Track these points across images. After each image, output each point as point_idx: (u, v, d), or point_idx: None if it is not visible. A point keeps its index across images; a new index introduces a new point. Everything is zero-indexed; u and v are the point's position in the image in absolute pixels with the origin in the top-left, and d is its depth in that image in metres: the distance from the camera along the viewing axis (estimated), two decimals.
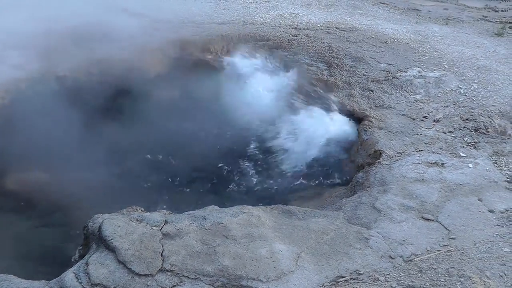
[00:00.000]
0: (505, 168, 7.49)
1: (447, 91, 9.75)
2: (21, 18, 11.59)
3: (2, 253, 7.09)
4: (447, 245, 5.96)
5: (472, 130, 8.46)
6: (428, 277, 5.48)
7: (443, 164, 7.54)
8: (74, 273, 5.40)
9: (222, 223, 6.02)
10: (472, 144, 8.08)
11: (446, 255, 5.81)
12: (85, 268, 5.41)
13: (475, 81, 10.19)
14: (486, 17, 15.23)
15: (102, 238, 5.70)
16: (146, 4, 13.64)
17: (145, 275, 5.29)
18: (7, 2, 12.59)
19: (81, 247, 6.18)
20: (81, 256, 5.92)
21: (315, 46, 11.64)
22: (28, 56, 10.22)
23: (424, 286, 5.35)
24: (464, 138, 8.25)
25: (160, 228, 5.89)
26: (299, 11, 14.41)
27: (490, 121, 8.70)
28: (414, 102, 9.40)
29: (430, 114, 8.96)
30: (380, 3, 16.01)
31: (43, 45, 10.58)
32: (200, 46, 11.49)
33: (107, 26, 11.78)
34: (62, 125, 9.17)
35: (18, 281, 5.48)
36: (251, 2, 15.12)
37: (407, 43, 12.18)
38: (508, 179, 7.22)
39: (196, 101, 10.53)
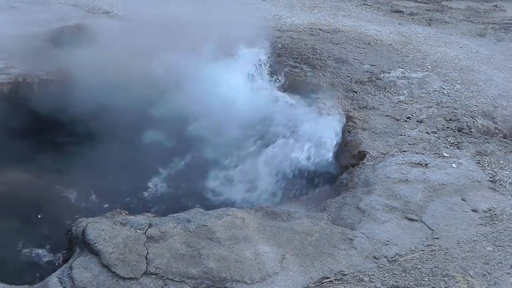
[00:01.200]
0: (488, 168, 7.53)
1: (430, 92, 9.79)
2: (1, 21, 11.52)
3: None
4: (431, 245, 5.98)
5: (456, 130, 8.50)
6: (412, 277, 5.50)
7: (427, 164, 7.57)
8: (58, 277, 5.35)
9: (207, 225, 6.01)
10: (456, 144, 8.12)
11: (430, 254, 5.83)
12: (69, 272, 5.36)
13: (458, 81, 10.25)
14: (468, 18, 15.34)
15: (86, 242, 5.65)
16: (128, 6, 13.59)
17: (129, 278, 5.27)
18: None
19: (64, 251, 6.15)
20: (65, 260, 5.88)
21: (299, 48, 11.64)
22: (10, 59, 10.16)
23: (408, 286, 5.36)
24: (448, 139, 8.28)
25: (144, 231, 5.87)
26: (282, 13, 14.43)
27: (473, 121, 8.75)
28: (397, 103, 9.43)
29: (413, 114, 8.99)
30: (363, 4, 16.08)
31: (25, 48, 10.51)
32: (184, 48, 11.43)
33: (90, 29, 11.75)
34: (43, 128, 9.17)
35: (1, 286, 5.44)
36: (234, 5, 15.11)
37: (390, 44, 12.23)
38: (491, 179, 7.25)
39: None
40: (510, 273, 5.55)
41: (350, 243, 5.97)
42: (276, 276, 5.44)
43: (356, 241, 6.01)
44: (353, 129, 8.64)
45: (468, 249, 5.90)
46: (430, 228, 6.25)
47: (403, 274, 5.54)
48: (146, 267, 5.38)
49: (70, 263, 5.53)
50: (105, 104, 9.53)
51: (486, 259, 5.74)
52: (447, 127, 8.58)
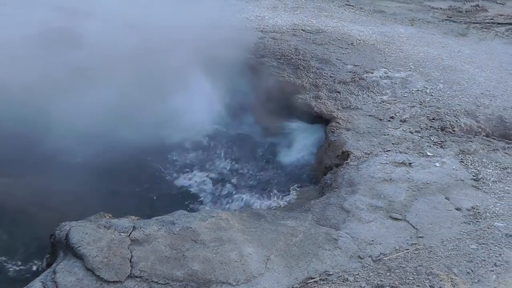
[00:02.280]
0: (471, 167, 7.56)
1: (413, 91, 9.82)
2: None
3: None
4: (415, 244, 6.00)
5: (439, 130, 8.53)
6: (396, 276, 5.51)
7: (411, 163, 7.59)
8: (41, 282, 5.33)
9: (191, 227, 6.00)
10: (439, 143, 8.15)
11: (414, 253, 5.84)
12: (53, 276, 5.34)
13: (441, 81, 10.28)
14: (450, 17, 15.40)
15: (70, 246, 5.63)
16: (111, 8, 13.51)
17: (114, 282, 5.25)
18: None
19: (48, 256, 6.12)
20: (49, 265, 5.86)
21: (282, 49, 11.65)
22: None
23: (393, 285, 5.38)
24: (431, 138, 8.31)
25: (128, 234, 5.85)
26: (265, 14, 14.41)
27: (456, 120, 8.79)
28: (380, 102, 9.45)
29: (397, 114, 9.02)
30: (346, 5, 16.09)
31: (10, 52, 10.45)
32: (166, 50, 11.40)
33: (74, 32, 11.69)
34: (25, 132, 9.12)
35: None
36: (217, 6, 15.07)
37: (373, 45, 12.26)
38: (474, 177, 7.28)
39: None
40: (493, 271, 5.57)
41: (334, 243, 5.98)
42: (261, 277, 5.44)
43: (341, 241, 6.02)
44: (337, 129, 8.65)
45: (452, 247, 5.92)
46: (414, 227, 6.27)
47: (388, 273, 5.56)
48: (131, 270, 5.37)
49: (53, 267, 5.50)
50: None
51: (470, 257, 5.76)
52: (430, 126, 8.61)
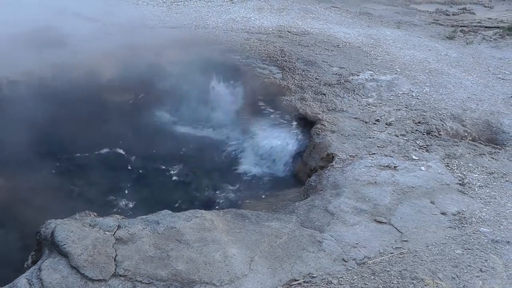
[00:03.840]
0: (457, 171, 7.55)
1: (399, 95, 9.81)
2: None
3: None
4: (399, 248, 5.97)
5: (424, 133, 8.51)
6: (381, 279, 5.48)
7: (396, 167, 7.56)
8: (27, 278, 5.33)
9: (175, 227, 5.97)
10: (425, 147, 8.13)
11: (399, 257, 5.81)
12: (38, 273, 5.33)
13: (427, 84, 10.28)
14: (437, 20, 15.42)
15: (55, 244, 5.62)
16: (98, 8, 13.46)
17: (98, 280, 5.23)
18: None
19: (33, 253, 6.08)
20: (34, 262, 5.83)
21: (268, 50, 11.62)
22: None
23: None
24: (417, 141, 8.29)
25: (113, 233, 5.83)
26: (251, 15, 14.39)
27: (442, 124, 8.78)
28: (366, 105, 9.43)
29: (382, 117, 9.00)
30: (332, 7, 16.09)
31: None
32: (153, 50, 11.36)
33: (60, 31, 11.64)
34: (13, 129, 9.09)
35: None
36: (203, 6, 15.05)
37: (359, 47, 12.25)
38: (460, 182, 7.26)
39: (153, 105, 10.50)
40: (479, 276, 5.55)
41: (319, 246, 5.94)
42: (245, 278, 5.40)
43: (325, 243, 5.98)
44: (322, 132, 8.61)
45: (437, 252, 5.89)
46: (399, 231, 6.23)
47: (372, 277, 5.52)
48: (115, 269, 5.35)
49: (39, 264, 5.50)
50: None
51: (455, 262, 5.74)
52: (416, 130, 8.59)
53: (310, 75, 10.49)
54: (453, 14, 16.38)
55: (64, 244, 5.57)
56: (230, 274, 5.42)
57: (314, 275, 5.52)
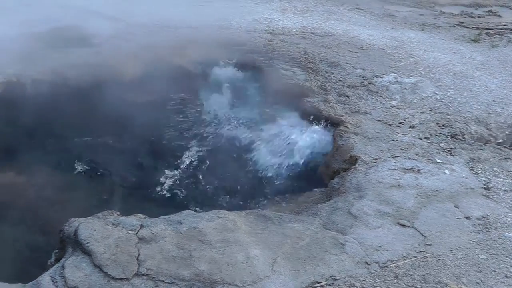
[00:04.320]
0: (482, 175, 7.48)
1: (423, 97, 9.74)
2: None
3: None
4: (423, 252, 5.93)
5: (448, 136, 8.45)
6: (404, 283, 5.45)
7: (419, 170, 7.51)
8: (50, 276, 5.38)
9: (198, 227, 5.98)
10: (449, 151, 8.07)
11: (422, 261, 5.77)
12: (61, 271, 5.37)
13: (451, 87, 10.20)
14: (462, 23, 15.28)
15: (78, 242, 5.67)
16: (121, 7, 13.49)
17: (120, 279, 5.26)
18: None
19: (57, 251, 6.14)
20: (57, 260, 5.88)
21: (291, 51, 11.58)
22: (3, 59, 10.10)
23: None
24: (440, 144, 8.23)
25: (136, 232, 5.86)
26: (274, 16, 14.36)
27: (467, 128, 8.71)
28: (390, 108, 9.37)
29: (406, 120, 8.94)
30: (356, 8, 16.02)
31: (18, 49, 10.45)
32: (175, 51, 11.37)
33: (82, 30, 11.69)
34: (36, 127, 9.15)
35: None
36: (226, 7, 15.05)
37: (383, 49, 12.18)
38: (484, 186, 7.20)
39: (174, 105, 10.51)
40: (504, 282, 5.50)
41: (341, 248, 5.91)
42: (267, 280, 5.39)
43: (348, 246, 5.95)
44: (345, 134, 8.57)
45: (461, 256, 5.84)
46: (422, 235, 6.19)
47: (395, 281, 5.49)
48: (138, 268, 5.37)
49: (62, 262, 5.55)
50: None
51: (479, 267, 5.69)
52: (440, 133, 8.53)
53: (333, 76, 10.44)
54: (479, 17, 16.23)
55: (87, 243, 5.61)
56: (253, 275, 5.41)
57: (337, 278, 5.50)
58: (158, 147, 9.90)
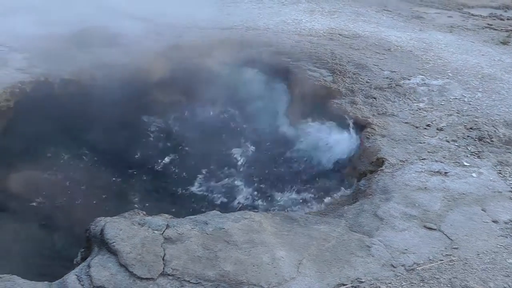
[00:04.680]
0: (510, 178, 7.43)
1: (450, 100, 9.69)
2: (25, 21, 11.57)
3: (6, 254, 7.07)
4: (449, 255, 5.90)
5: (476, 139, 8.39)
6: (430, 287, 5.43)
7: (446, 173, 7.48)
8: (76, 275, 5.42)
9: (224, 228, 6.00)
10: (476, 154, 8.02)
11: (449, 265, 5.75)
12: (87, 270, 5.41)
13: (480, 89, 10.14)
14: (491, 25, 15.16)
15: (104, 241, 5.72)
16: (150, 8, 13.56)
17: (146, 278, 5.29)
18: (12, 5, 12.59)
19: (83, 250, 6.19)
20: (83, 259, 5.92)
21: (318, 53, 11.57)
22: (32, 59, 10.21)
23: None
24: (468, 147, 8.19)
25: (162, 232, 5.89)
26: (302, 17, 14.36)
27: (495, 131, 8.64)
28: (417, 110, 9.33)
29: (433, 122, 8.90)
30: (384, 10, 15.97)
31: (47, 48, 10.54)
32: (203, 51, 11.40)
33: (111, 30, 11.77)
34: (65, 127, 9.24)
35: (22, 282, 5.46)
36: (254, 8, 15.07)
37: (411, 51, 12.13)
38: None
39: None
40: None
41: (367, 250, 5.91)
42: (292, 281, 5.40)
43: (374, 248, 5.94)
44: (372, 136, 8.55)
45: (488, 260, 5.81)
46: (449, 238, 6.16)
47: (421, 284, 5.47)
48: (163, 268, 5.40)
49: (88, 261, 5.59)
50: None
51: (507, 271, 5.65)
52: (468, 136, 8.48)
53: (360, 78, 10.42)
54: (508, 19, 16.10)
55: (114, 242, 5.65)
56: (278, 276, 5.42)
57: (363, 280, 5.49)
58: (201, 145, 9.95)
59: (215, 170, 9.56)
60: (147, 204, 8.43)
